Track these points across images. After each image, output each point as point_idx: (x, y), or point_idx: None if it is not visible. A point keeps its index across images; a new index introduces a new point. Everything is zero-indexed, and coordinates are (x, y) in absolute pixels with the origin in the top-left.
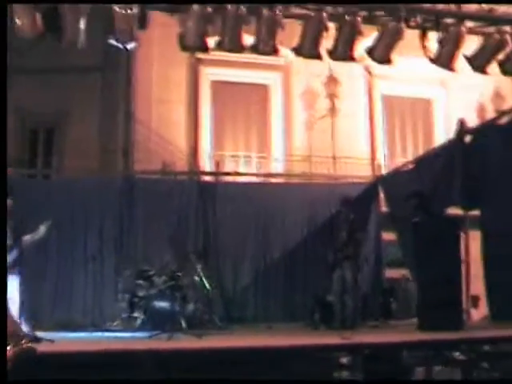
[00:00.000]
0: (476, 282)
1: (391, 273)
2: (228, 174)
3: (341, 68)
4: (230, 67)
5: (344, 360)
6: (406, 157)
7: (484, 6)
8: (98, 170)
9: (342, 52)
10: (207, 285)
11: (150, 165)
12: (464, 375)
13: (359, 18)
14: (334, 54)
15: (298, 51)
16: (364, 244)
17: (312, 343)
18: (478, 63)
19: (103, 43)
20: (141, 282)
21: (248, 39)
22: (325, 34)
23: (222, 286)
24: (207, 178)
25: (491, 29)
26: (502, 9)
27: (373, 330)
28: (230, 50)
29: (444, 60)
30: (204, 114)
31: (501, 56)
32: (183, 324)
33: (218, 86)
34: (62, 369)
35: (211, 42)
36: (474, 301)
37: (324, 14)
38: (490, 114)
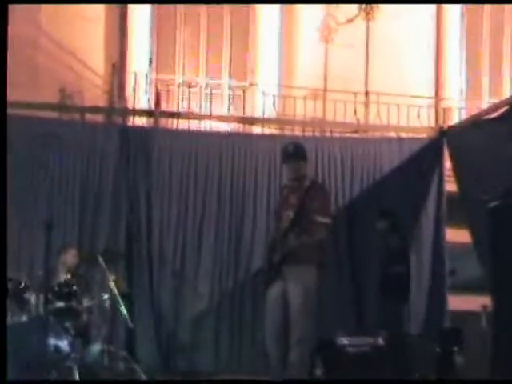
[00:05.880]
0: None
1: (457, 301)
2: (177, 115)
3: None
4: None
5: None
6: (499, 95)
7: None
8: None
9: None
10: (124, 310)
11: (38, 93)
12: None
13: None
14: None
15: None
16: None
17: None
18: None
19: None
20: None
21: None
22: None
23: (155, 311)
24: (139, 121)
25: None
26: None
27: None
28: None
29: None
30: (139, 12)
31: None
32: (76, 377)
33: None
34: None
35: None
36: None
37: None
38: None
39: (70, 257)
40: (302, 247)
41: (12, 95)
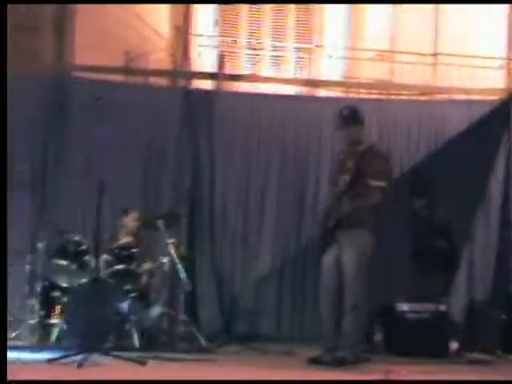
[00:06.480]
0: None
1: None
2: (241, 77)
3: None
4: None
5: None
6: None
7: None
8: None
9: None
10: (183, 274)
11: (103, 56)
12: None
13: None
14: None
15: None
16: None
17: None
18: None
19: None
20: (63, 262)
21: None
22: None
23: (217, 275)
24: (203, 84)
25: None
26: None
27: (476, 367)
28: None
29: None
30: None
31: None
32: (135, 340)
33: None
34: None
35: None
36: None
37: None
38: None
39: (131, 220)
40: (355, 211)
41: (79, 58)
